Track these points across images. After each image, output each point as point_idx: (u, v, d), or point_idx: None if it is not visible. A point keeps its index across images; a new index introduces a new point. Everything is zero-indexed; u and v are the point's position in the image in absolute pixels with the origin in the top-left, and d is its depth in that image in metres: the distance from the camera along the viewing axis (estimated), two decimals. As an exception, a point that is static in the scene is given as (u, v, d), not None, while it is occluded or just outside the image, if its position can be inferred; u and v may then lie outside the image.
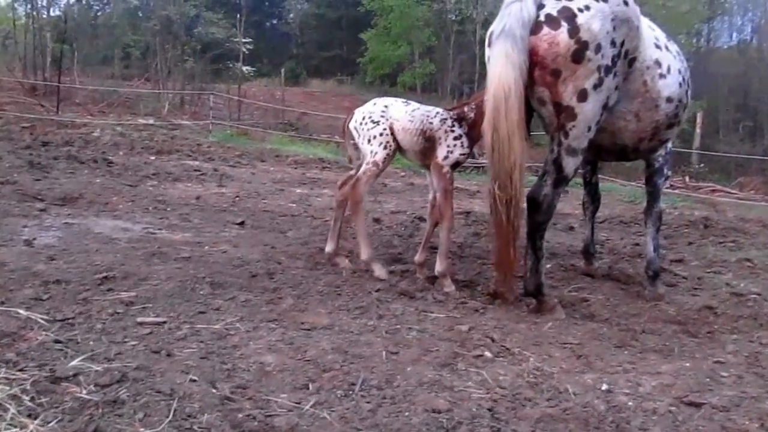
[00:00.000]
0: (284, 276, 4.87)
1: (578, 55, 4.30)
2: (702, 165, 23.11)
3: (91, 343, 3.31)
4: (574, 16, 4.32)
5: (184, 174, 10.27)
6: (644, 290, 5.46)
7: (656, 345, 4.14)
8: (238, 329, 3.70)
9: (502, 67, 4.31)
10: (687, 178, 18.65)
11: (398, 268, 5.43)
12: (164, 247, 5.41)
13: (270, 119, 29.37)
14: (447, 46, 47.04)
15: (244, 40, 36.16)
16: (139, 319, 3.71)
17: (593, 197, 6.21)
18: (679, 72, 5.13)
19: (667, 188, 5.84)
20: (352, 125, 5.26)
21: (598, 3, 4.38)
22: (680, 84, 5.12)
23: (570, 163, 4.57)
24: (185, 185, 9.30)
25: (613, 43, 4.39)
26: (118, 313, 3.78)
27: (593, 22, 4.31)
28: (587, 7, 4.35)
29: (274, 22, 61.19)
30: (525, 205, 4.59)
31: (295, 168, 13.95)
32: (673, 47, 5.25)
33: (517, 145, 4.30)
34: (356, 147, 5.32)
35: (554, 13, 4.35)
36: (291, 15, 59.15)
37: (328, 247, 5.49)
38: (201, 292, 4.29)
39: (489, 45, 4.58)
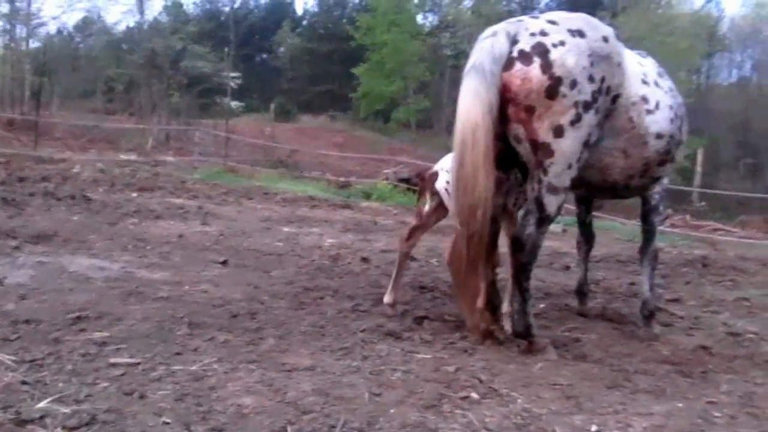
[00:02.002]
0: (266, 316, 4.73)
1: (552, 91, 4.21)
2: (703, 203, 23.11)
3: (60, 384, 3.16)
4: (548, 51, 4.25)
5: (166, 212, 10.10)
6: (639, 330, 5.34)
7: (648, 385, 4.00)
8: (216, 370, 3.55)
9: (470, 102, 4.24)
10: (688, 217, 18.68)
11: (385, 308, 5.28)
12: (142, 287, 5.26)
13: (259, 156, 29.31)
14: (441, 81, 47.33)
15: (232, 75, 36.10)
16: (111, 360, 3.56)
17: (587, 237, 6.12)
18: (670, 108, 5.05)
19: (667, 227, 5.76)
20: (441, 186, 5.01)
21: (574, 38, 4.31)
22: (671, 120, 5.05)
23: (552, 202, 4.45)
24: (167, 223, 9.14)
25: (591, 79, 4.30)
26: (89, 353, 3.63)
27: (568, 57, 4.23)
28: (562, 42, 4.27)
29: (264, 56, 61.46)
30: (488, 241, 4.51)
31: (284, 206, 13.82)
32: (665, 83, 5.18)
33: (482, 180, 4.20)
34: (439, 205, 5.12)
35: (527, 48, 4.28)
36: (281, 49, 59.25)
37: (388, 298, 5.31)
38: (178, 333, 4.14)
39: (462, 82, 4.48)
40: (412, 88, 46.59)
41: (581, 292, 5.96)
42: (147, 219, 9.25)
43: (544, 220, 4.49)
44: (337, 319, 4.87)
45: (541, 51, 4.25)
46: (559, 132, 4.27)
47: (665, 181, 5.51)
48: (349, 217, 12.66)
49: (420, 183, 5.34)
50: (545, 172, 4.39)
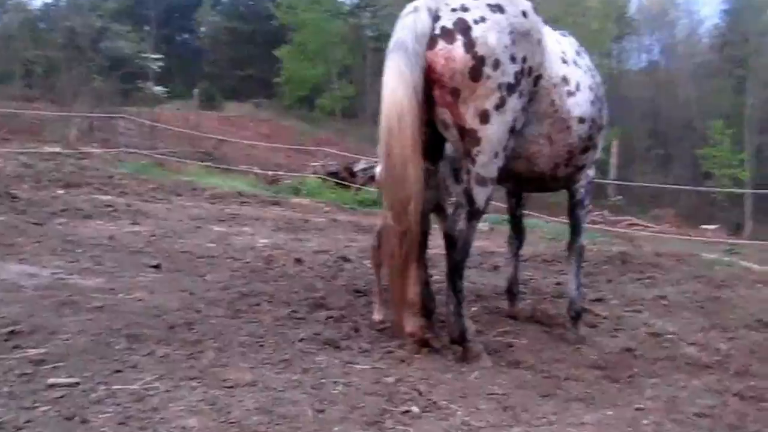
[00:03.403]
0: (204, 326, 4.71)
1: (476, 72, 4.12)
2: (620, 197, 23.53)
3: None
4: (469, 28, 4.14)
5: (95, 211, 9.88)
6: (567, 332, 5.53)
7: (580, 393, 4.18)
8: (158, 389, 3.54)
9: (394, 83, 4.11)
10: (606, 212, 19.24)
11: (322, 315, 5.33)
12: (75, 295, 5.16)
13: (186, 147, 28.79)
14: (364, 66, 47.12)
15: (154, 56, 35.09)
16: (50, 381, 3.50)
17: (518, 232, 6.11)
18: (590, 89, 5.01)
19: (587, 223, 5.87)
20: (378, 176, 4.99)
21: (494, 14, 4.21)
22: (592, 102, 5.00)
23: (481, 194, 4.39)
24: (97, 223, 8.95)
25: (513, 59, 4.20)
26: (26, 373, 3.56)
27: (489, 35, 4.13)
28: (483, 18, 4.17)
29: (185, 36, 59.60)
30: (422, 238, 4.53)
31: (213, 203, 13.67)
32: (583, 61, 5.13)
33: (413, 171, 4.11)
34: None
35: (449, 25, 4.16)
36: (202, 28, 57.61)
37: (377, 316, 5.34)
38: (116, 347, 4.09)
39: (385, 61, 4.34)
40: (335, 72, 46.30)
41: (511, 292, 6.02)
42: (76, 218, 9.04)
43: (474, 214, 4.43)
44: (275, 328, 4.88)
45: (464, 28, 4.14)
46: (484, 117, 4.18)
47: (591, 173, 5.49)
48: (280, 215, 12.62)
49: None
50: (473, 161, 4.31)
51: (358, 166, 19.62)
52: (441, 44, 4.15)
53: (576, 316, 5.48)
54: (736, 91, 46.86)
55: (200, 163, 22.80)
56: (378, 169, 4.88)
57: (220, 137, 32.52)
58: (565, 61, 4.80)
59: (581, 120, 4.87)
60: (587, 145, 5.09)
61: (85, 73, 32.36)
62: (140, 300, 5.29)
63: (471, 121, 4.20)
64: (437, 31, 4.17)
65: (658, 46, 57.40)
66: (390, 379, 4.01)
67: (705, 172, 40.85)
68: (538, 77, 4.46)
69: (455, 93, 4.17)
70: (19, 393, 3.32)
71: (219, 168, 23.13)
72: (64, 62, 32.94)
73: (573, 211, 5.55)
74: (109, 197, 11.89)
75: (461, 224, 4.42)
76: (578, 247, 5.55)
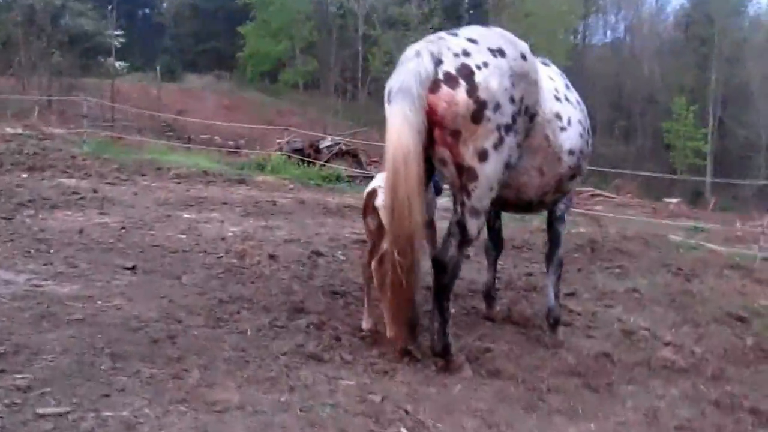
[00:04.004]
0: (186, 340, 4.72)
1: (478, 115, 4.28)
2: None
3: (-8, 446, 3.12)
4: (472, 73, 4.29)
5: (62, 199, 9.73)
6: (545, 336, 5.66)
7: (561, 405, 4.32)
8: (148, 416, 3.55)
9: (400, 127, 4.25)
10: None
11: (302, 322, 5.37)
12: (53, 306, 5.11)
13: (146, 121, 28.40)
14: (329, 41, 46.93)
15: (115, 33, 34.59)
16: (39, 410, 3.49)
17: (496, 243, 6.25)
18: (580, 123, 5.23)
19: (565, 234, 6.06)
20: (380, 204, 4.93)
21: (496, 59, 4.37)
22: (581, 135, 5.22)
23: (473, 225, 4.59)
24: (64, 214, 8.82)
25: (512, 100, 4.38)
26: (15, 403, 3.55)
27: (491, 80, 4.29)
28: (485, 64, 4.33)
29: (147, 11, 58.99)
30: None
31: (178, 183, 13.57)
32: (573, 96, 5.33)
33: (417, 207, 4.27)
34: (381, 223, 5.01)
35: (452, 71, 4.31)
36: (164, 4, 57.05)
37: (366, 325, 5.39)
38: (102, 367, 4.09)
39: (388, 102, 4.49)
40: (299, 48, 46.05)
41: (489, 296, 6.18)
42: (43, 209, 8.92)
43: (465, 243, 4.62)
44: (258, 339, 4.92)
45: (466, 73, 4.28)
46: (483, 156, 4.35)
47: (572, 192, 5.73)
48: (247, 196, 12.58)
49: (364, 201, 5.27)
50: (469, 195, 4.48)
51: (324, 143, 19.59)
52: (444, 89, 4.28)
53: (554, 323, 5.67)
54: (700, 68, 48.23)
55: (161, 141, 22.37)
56: (379, 201, 4.92)
57: (181, 110, 32.19)
58: (558, 98, 5.01)
59: (571, 152, 5.10)
60: (575, 173, 5.33)
61: (44, 48, 31.64)
62: (119, 309, 5.27)
63: (470, 159, 4.36)
64: (440, 76, 4.30)
65: (624, 24, 58.24)
66: (376, 398, 4.08)
67: (666, 144, 41.91)
68: (534, 115, 4.64)
69: (456, 134, 4.32)
70: (9, 426, 3.31)
71: (181, 143, 22.88)
72: (23, 38, 32.11)
73: (552, 226, 5.78)
74: (73, 181, 11.75)
75: (452, 251, 4.58)
76: (557, 259, 5.76)
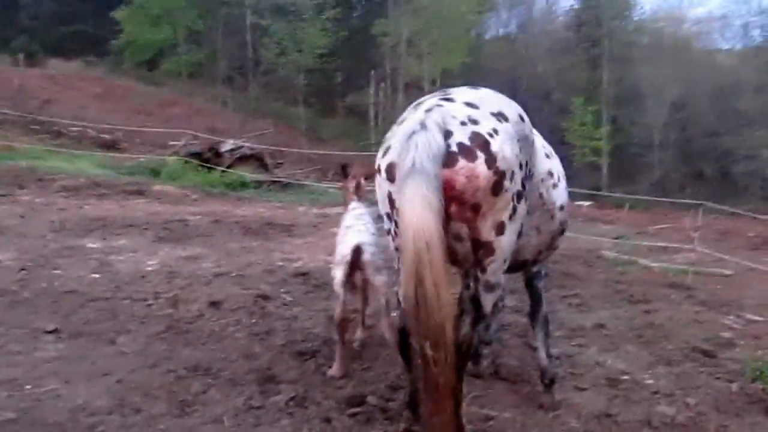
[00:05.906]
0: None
1: (497, 187, 3.86)
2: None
3: None
4: (487, 143, 3.83)
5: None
6: (540, 397, 5.22)
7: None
8: None
9: (420, 212, 3.67)
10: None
11: (280, 399, 4.61)
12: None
13: (6, 109, 25.78)
14: (215, 30, 45.36)
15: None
16: None
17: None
18: (562, 176, 5.03)
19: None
20: (368, 258, 5.08)
21: (502, 123, 3.95)
22: (565, 188, 5.04)
23: (489, 300, 4.15)
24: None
25: (521, 166, 4.02)
26: None
27: (506, 148, 3.87)
28: (495, 131, 3.89)
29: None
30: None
31: (67, 198, 12.27)
32: (549, 147, 5.05)
33: (445, 294, 3.72)
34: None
35: (467, 141, 3.82)
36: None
37: (336, 371, 5.16)
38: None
39: (392, 180, 3.93)
40: (182, 37, 44.21)
41: (475, 352, 5.69)
42: None
43: (480, 319, 4.17)
44: (238, 429, 4.17)
45: (482, 143, 3.81)
46: (500, 230, 3.98)
47: None
48: (151, 213, 11.54)
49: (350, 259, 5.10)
50: (483, 270, 4.08)
51: (225, 147, 18.33)
52: (461, 162, 3.79)
53: (550, 383, 5.30)
54: (591, 68, 50.47)
55: (39, 147, 20.34)
56: (367, 256, 5.07)
57: (47, 98, 29.95)
58: (547, 156, 4.81)
59: (562, 207, 4.93)
60: (564, 228, 5.14)
61: None
62: (58, 396, 4.36)
63: (487, 234, 3.97)
64: (454, 149, 3.79)
65: (516, 21, 60.21)
66: None
67: (562, 141, 43.82)
68: (531, 175, 4.33)
69: (476, 208, 3.89)
70: None
71: (50, 137, 21.08)
72: None
73: (532, 283, 5.46)
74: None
75: (465, 329, 4.13)
76: (543, 315, 5.44)
